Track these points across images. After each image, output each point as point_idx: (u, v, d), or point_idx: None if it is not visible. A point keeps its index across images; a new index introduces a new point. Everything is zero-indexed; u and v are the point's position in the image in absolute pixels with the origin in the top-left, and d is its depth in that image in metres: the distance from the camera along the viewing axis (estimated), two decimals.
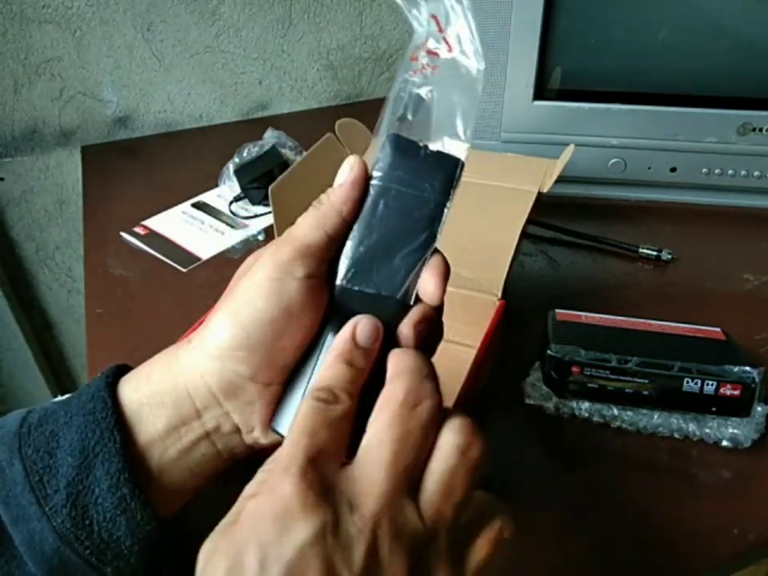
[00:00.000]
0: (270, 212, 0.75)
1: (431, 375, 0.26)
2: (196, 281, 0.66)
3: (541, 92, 0.72)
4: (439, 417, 0.25)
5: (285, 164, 0.79)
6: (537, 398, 0.50)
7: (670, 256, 0.67)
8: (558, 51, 0.70)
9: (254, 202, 0.78)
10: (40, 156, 0.94)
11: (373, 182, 0.29)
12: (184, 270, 0.67)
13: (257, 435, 0.30)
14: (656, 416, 0.48)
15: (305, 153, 0.60)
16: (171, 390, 0.30)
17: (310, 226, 0.29)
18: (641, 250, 0.68)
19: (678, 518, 0.43)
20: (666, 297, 0.63)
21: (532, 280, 0.66)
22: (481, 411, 0.50)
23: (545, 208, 0.59)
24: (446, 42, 0.27)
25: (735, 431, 0.47)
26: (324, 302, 0.29)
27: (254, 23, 0.95)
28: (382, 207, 0.29)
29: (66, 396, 0.31)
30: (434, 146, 0.29)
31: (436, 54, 0.27)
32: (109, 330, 0.60)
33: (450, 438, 0.25)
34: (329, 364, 0.27)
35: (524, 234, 0.55)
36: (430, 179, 0.29)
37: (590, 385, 0.47)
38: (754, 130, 0.70)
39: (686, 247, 0.69)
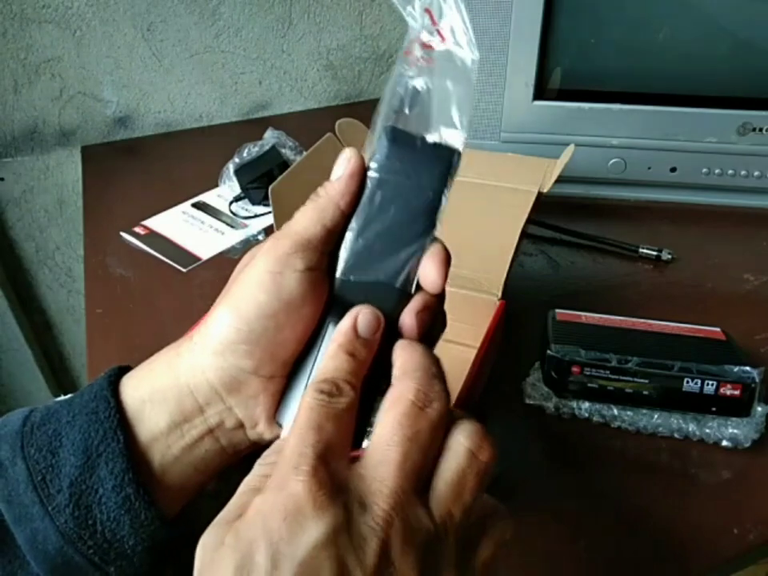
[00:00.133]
0: (270, 212, 0.75)
1: (440, 374, 0.26)
2: (196, 281, 0.66)
3: (541, 92, 0.72)
4: (448, 418, 0.25)
5: (285, 164, 0.79)
6: (537, 398, 0.50)
7: (670, 256, 0.67)
8: (558, 51, 0.70)
9: (254, 202, 0.78)
10: (40, 156, 0.94)
11: (370, 173, 0.29)
12: (184, 270, 0.67)
13: (261, 430, 0.30)
14: (656, 416, 0.48)
15: (305, 153, 0.60)
16: (173, 387, 0.30)
17: (308, 219, 0.29)
18: (641, 250, 0.68)
19: (677, 518, 0.43)
20: (666, 297, 0.63)
21: (532, 280, 0.66)
22: (481, 411, 0.50)
23: (545, 208, 0.59)
24: (440, 34, 0.27)
25: (735, 431, 0.47)
26: (324, 294, 0.29)
27: (253, 23, 0.95)
28: (379, 198, 0.29)
29: (69, 395, 0.31)
30: (430, 137, 0.29)
31: (430, 47, 0.28)
32: (109, 330, 0.60)
33: (462, 441, 0.25)
34: (331, 355, 0.27)
35: (524, 234, 0.55)
36: (427, 169, 0.29)
37: (590, 385, 0.47)
38: (754, 129, 0.70)
39: (686, 247, 0.69)
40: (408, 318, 0.28)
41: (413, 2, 0.27)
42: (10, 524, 0.28)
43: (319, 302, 0.29)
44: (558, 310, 0.53)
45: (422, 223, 0.28)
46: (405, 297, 0.28)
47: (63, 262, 1.03)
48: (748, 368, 0.46)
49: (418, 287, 0.29)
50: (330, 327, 0.29)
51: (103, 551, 0.28)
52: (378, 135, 0.29)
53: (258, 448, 0.31)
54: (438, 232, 0.29)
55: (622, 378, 0.46)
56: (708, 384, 0.45)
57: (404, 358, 0.27)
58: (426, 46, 0.28)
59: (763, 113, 0.69)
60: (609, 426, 0.49)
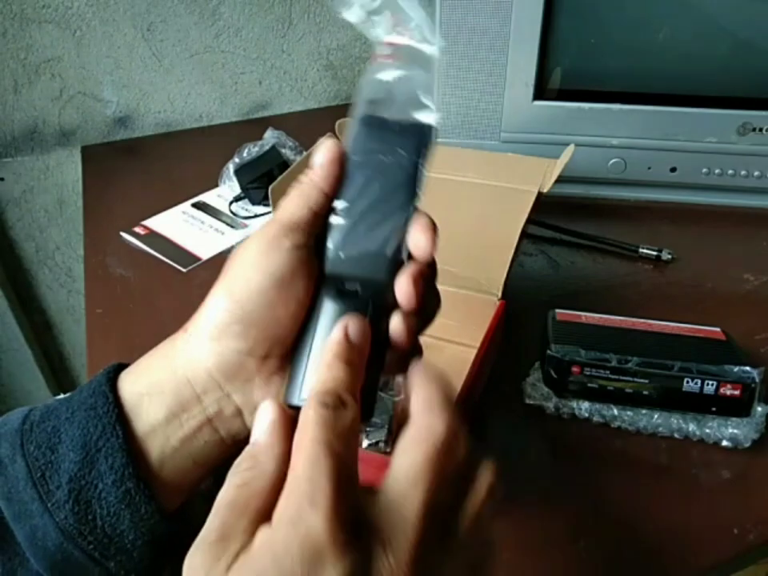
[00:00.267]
0: (269, 212, 0.75)
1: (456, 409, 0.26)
2: (196, 281, 0.66)
3: (541, 92, 0.72)
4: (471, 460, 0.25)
5: (285, 164, 0.79)
6: (537, 398, 0.50)
7: (670, 256, 0.67)
8: (558, 51, 0.70)
9: (254, 202, 0.78)
10: (40, 156, 0.94)
11: (350, 158, 0.31)
12: (184, 270, 0.68)
13: None
14: (656, 416, 0.48)
15: (305, 153, 0.60)
16: (170, 379, 0.30)
17: (293, 204, 0.30)
18: (641, 250, 0.68)
19: (677, 518, 0.43)
20: (666, 297, 0.63)
21: (532, 280, 0.66)
22: (481, 411, 0.50)
23: (545, 208, 0.59)
24: (401, 33, 0.30)
25: (735, 431, 0.47)
26: (314, 272, 0.30)
27: (253, 23, 0.95)
28: (361, 179, 0.30)
29: (69, 393, 0.31)
30: (404, 119, 0.31)
31: (394, 45, 0.30)
32: (109, 330, 0.60)
33: (486, 480, 0.25)
34: (329, 365, 0.26)
35: (524, 234, 0.55)
36: (403, 146, 0.30)
37: (590, 385, 0.47)
38: (754, 129, 0.70)
39: (686, 247, 0.69)
40: (405, 283, 0.29)
41: (374, 22, 0.30)
42: (9, 521, 0.28)
43: (309, 279, 0.29)
44: (558, 310, 0.53)
45: (404, 194, 0.30)
46: (397, 264, 0.29)
47: (63, 262, 1.03)
48: (748, 368, 0.46)
49: (410, 257, 0.30)
50: (326, 302, 0.30)
51: (103, 546, 0.28)
52: (355, 124, 0.31)
53: None
54: (421, 203, 0.30)
55: (621, 377, 0.46)
56: (708, 384, 0.45)
57: (427, 389, 0.26)
58: (391, 44, 0.30)
59: (763, 113, 0.69)
60: (609, 426, 0.49)
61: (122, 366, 0.32)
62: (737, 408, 0.46)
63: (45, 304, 1.06)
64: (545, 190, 0.56)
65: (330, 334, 0.28)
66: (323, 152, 0.30)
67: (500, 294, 0.53)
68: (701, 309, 0.61)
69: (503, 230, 0.54)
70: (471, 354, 0.47)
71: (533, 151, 0.63)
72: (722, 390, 0.45)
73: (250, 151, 0.80)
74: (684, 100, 0.70)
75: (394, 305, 0.29)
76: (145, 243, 0.72)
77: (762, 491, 0.45)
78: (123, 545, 0.28)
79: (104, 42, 0.89)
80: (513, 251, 0.53)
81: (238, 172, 0.79)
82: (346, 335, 0.27)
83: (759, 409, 0.47)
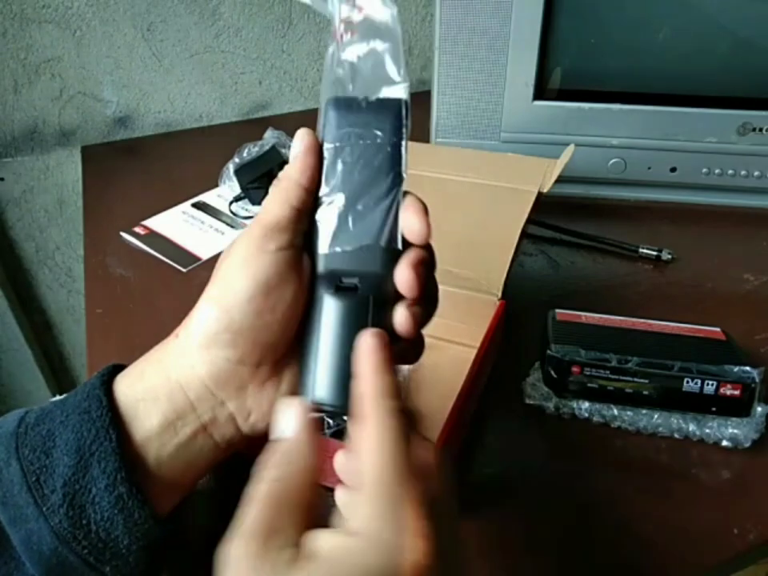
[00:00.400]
0: None
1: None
2: (196, 281, 0.66)
3: (541, 92, 0.71)
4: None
5: (285, 164, 0.78)
6: (537, 398, 0.50)
7: (670, 256, 0.67)
8: (558, 51, 0.70)
9: (254, 202, 0.78)
10: (40, 156, 0.93)
11: (325, 145, 0.29)
12: (184, 270, 0.67)
13: (253, 421, 0.30)
14: (656, 416, 0.48)
15: None
16: (164, 384, 0.30)
17: (274, 203, 0.29)
18: (641, 250, 0.68)
19: (678, 518, 0.43)
20: (666, 297, 0.63)
21: (532, 280, 0.66)
22: (481, 411, 0.50)
23: (545, 208, 0.59)
24: (358, 7, 0.29)
25: (735, 431, 0.47)
26: (303, 274, 0.29)
27: (253, 23, 0.95)
28: (340, 166, 0.29)
29: (64, 395, 0.31)
30: (373, 97, 0.29)
31: (351, 21, 0.29)
32: (109, 330, 0.60)
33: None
34: (380, 370, 0.25)
35: (524, 234, 0.55)
36: (378, 126, 0.29)
37: (590, 385, 0.47)
38: (754, 129, 0.70)
39: (686, 247, 0.69)
40: (405, 272, 0.28)
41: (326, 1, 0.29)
42: (5, 525, 0.28)
43: (298, 283, 0.29)
44: (558, 310, 0.53)
45: (389, 178, 0.28)
46: (394, 254, 0.28)
47: (63, 262, 1.03)
48: (748, 368, 0.46)
49: (405, 244, 0.29)
50: (326, 300, 0.28)
51: (98, 551, 0.28)
52: (324, 110, 0.29)
53: (252, 441, 0.30)
54: (406, 184, 0.29)
55: (622, 377, 0.46)
56: (708, 384, 0.45)
57: (392, 429, 0.24)
58: (347, 21, 0.29)
59: (763, 113, 0.69)
60: (609, 426, 0.49)
61: (118, 368, 0.32)
62: (737, 408, 0.46)
63: (45, 304, 1.06)
64: (545, 190, 0.56)
65: (336, 332, 0.27)
66: (297, 144, 0.30)
67: (500, 294, 0.53)
68: (701, 309, 0.61)
69: (503, 230, 0.54)
70: (471, 354, 0.47)
71: (533, 151, 0.63)
72: (721, 390, 0.45)
73: (249, 151, 0.80)
74: (684, 100, 0.70)
75: (395, 295, 0.28)
76: (145, 243, 0.72)
77: (762, 491, 0.45)
78: (118, 549, 0.28)
79: (104, 42, 0.89)
80: (513, 251, 0.53)
81: (238, 172, 0.79)
82: (379, 344, 0.26)
83: (759, 409, 0.47)
